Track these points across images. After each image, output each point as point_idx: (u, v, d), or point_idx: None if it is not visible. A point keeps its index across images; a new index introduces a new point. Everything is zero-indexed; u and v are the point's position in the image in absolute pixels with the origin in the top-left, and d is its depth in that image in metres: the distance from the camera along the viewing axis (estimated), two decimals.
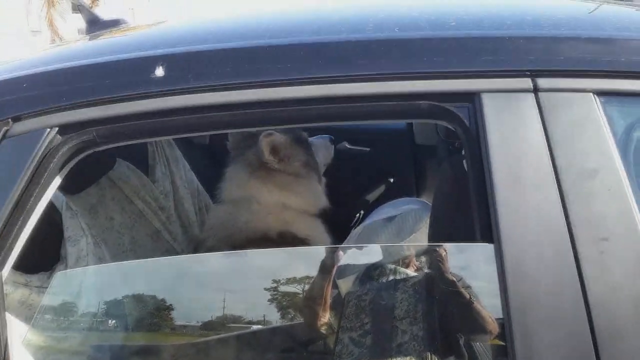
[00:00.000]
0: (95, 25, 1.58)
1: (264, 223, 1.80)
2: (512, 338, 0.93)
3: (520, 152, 0.99)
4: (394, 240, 1.70)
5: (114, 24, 1.58)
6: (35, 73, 1.13)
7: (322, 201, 1.99)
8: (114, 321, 1.29)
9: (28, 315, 1.34)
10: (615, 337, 0.92)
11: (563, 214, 0.95)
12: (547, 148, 0.98)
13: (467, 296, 1.07)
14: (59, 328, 1.27)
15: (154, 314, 1.28)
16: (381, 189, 2.83)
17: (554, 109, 0.99)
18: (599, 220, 0.96)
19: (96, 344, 1.31)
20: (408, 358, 1.13)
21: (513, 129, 1.00)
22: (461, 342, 1.10)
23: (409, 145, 2.84)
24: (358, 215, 2.60)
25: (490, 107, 1.00)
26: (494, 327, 1.02)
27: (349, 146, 2.85)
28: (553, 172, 0.97)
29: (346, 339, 1.19)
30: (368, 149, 2.86)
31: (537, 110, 0.99)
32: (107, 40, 1.36)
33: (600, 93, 1.00)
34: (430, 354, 1.13)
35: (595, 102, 1.00)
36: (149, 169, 2.13)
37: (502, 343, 0.96)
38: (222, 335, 1.22)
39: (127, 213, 1.95)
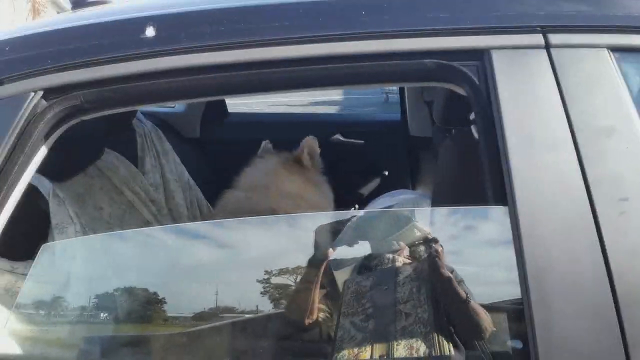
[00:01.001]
0: (80, 5, 1.53)
1: (275, 205, 1.78)
2: (530, 305, 0.88)
3: (533, 110, 0.94)
4: (391, 230, 1.66)
5: (100, 2, 1.52)
6: (19, 36, 1.07)
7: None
8: (99, 307, 1.24)
9: (13, 302, 1.28)
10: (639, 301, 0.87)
11: (580, 174, 0.91)
12: (562, 106, 0.93)
13: (464, 295, 1.03)
14: (42, 313, 1.21)
15: (147, 299, 1.23)
16: (376, 182, 2.79)
17: (568, 66, 0.95)
18: (617, 180, 0.91)
19: (82, 332, 1.25)
20: (413, 340, 1.09)
21: (525, 87, 0.95)
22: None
23: (404, 137, 2.80)
24: (353, 208, 2.55)
25: (501, 64, 0.95)
26: (489, 324, 1.00)
27: (342, 139, 2.81)
28: (568, 131, 0.92)
29: (347, 324, 1.15)
30: (362, 142, 2.82)
31: (550, 67, 0.95)
32: (94, 10, 1.30)
33: (615, 49, 0.96)
34: (437, 336, 1.09)
35: (610, 58, 0.95)
36: (138, 160, 2.07)
37: (519, 311, 0.90)
38: (218, 323, 1.17)
39: (116, 203, 1.89)
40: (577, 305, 0.88)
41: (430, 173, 2.58)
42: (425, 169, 2.73)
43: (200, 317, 1.17)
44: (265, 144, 2.08)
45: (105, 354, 1.23)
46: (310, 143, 1.93)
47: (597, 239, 0.88)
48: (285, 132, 2.93)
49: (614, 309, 0.87)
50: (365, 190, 2.77)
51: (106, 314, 1.24)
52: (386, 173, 2.79)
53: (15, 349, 1.12)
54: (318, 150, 1.95)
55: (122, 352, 1.25)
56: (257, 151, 2.10)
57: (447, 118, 1.99)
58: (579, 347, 0.87)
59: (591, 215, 0.89)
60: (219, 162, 2.80)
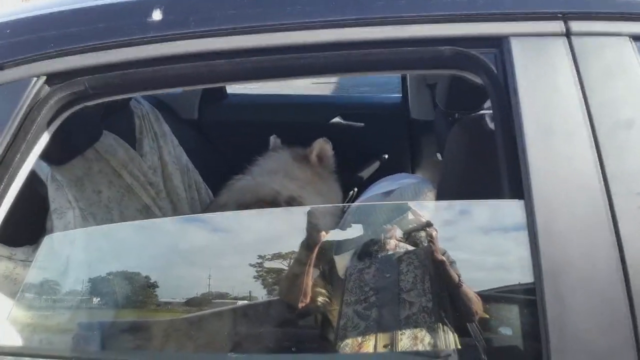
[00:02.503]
0: None
1: (280, 186, 1.80)
2: (543, 300, 0.86)
3: (551, 100, 0.92)
4: (392, 215, 1.65)
5: None
6: (20, 18, 1.03)
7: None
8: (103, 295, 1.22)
9: (13, 289, 1.26)
10: None
11: (598, 166, 0.89)
12: (581, 96, 0.91)
13: (456, 278, 1.03)
14: (46, 303, 1.19)
15: (148, 285, 1.21)
16: (375, 165, 2.76)
17: (588, 54, 0.93)
18: (636, 173, 0.89)
19: (85, 317, 1.23)
20: (417, 330, 1.08)
21: (544, 75, 0.93)
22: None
23: (404, 120, 2.77)
24: (352, 192, 2.53)
25: (520, 52, 0.93)
26: (479, 307, 0.99)
27: (342, 121, 2.78)
28: (587, 122, 0.90)
29: (350, 312, 1.14)
30: (362, 124, 2.79)
31: (570, 56, 0.93)
32: None
33: (638, 37, 0.94)
34: (442, 326, 1.08)
35: (632, 47, 0.93)
36: (136, 142, 2.04)
37: (533, 305, 0.89)
38: (217, 309, 1.15)
39: (115, 187, 1.86)
40: (591, 301, 0.86)
41: (431, 157, 2.56)
42: (426, 152, 2.71)
43: (203, 302, 1.16)
44: (274, 139, 2.08)
45: (110, 340, 1.22)
46: (322, 145, 1.94)
47: (614, 233, 0.87)
48: (284, 114, 2.91)
49: (628, 306, 0.85)
50: (365, 173, 2.75)
51: (111, 300, 1.23)
52: (386, 156, 2.76)
53: (17, 337, 1.10)
54: (330, 152, 1.96)
55: (124, 337, 1.24)
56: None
57: (450, 102, 1.96)
58: (592, 343, 0.86)
59: (609, 209, 0.87)
60: (217, 144, 2.77)
